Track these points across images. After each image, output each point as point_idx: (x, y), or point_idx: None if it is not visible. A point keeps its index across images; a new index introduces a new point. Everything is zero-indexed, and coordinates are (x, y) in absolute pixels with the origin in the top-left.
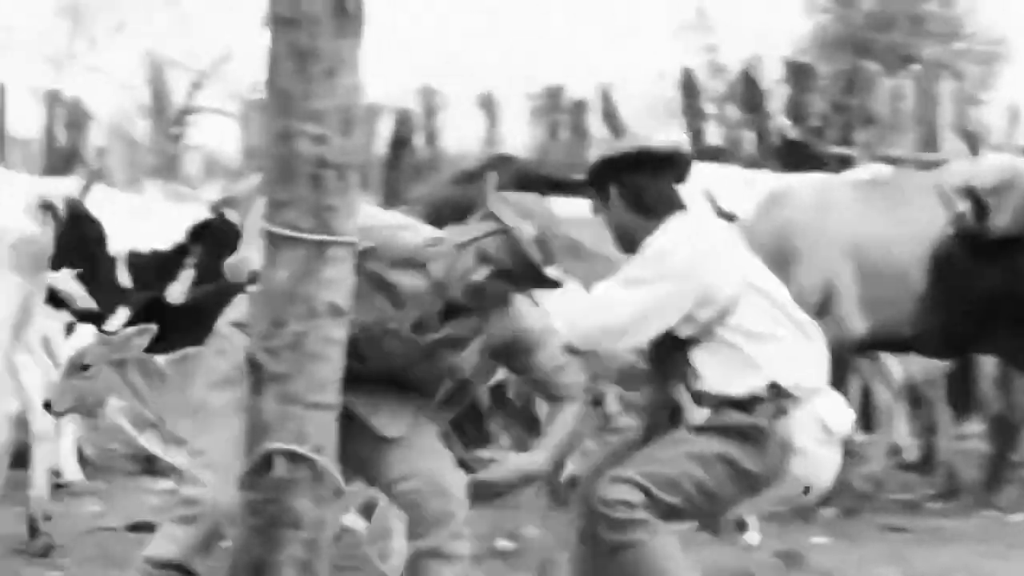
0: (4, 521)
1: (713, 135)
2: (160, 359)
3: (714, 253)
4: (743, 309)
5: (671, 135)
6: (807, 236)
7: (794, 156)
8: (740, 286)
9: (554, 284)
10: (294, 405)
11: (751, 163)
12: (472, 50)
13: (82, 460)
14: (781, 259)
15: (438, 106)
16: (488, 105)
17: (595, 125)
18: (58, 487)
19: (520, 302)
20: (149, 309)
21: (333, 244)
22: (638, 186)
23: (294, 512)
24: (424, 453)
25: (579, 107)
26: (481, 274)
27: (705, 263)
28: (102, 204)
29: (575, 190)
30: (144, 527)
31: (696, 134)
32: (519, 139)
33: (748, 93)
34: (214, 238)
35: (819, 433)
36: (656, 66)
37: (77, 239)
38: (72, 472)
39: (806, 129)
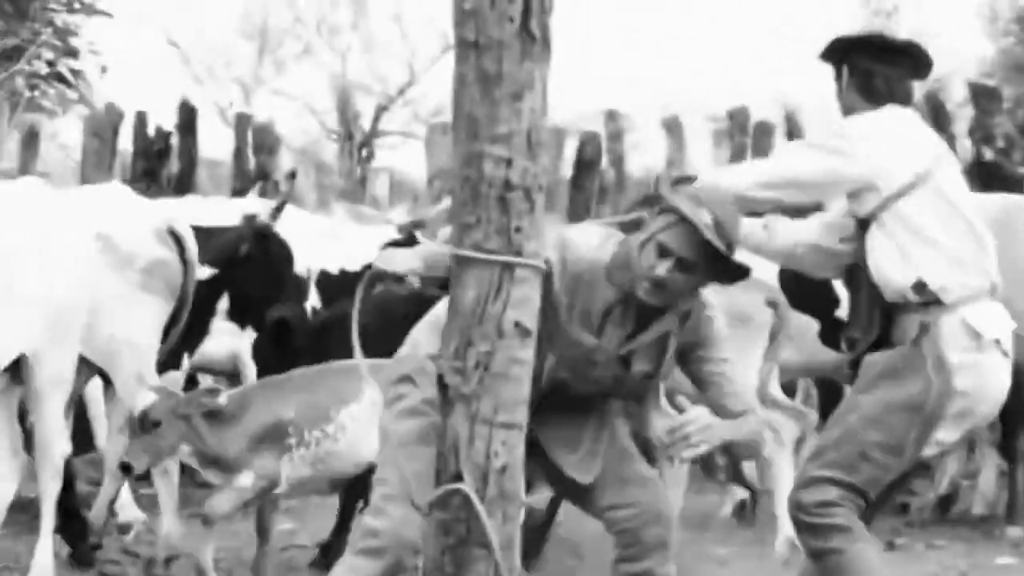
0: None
1: None
2: (223, 395)
3: (895, 140)
4: (913, 202)
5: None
6: None
7: (985, 177)
8: (915, 178)
9: (741, 270)
10: (482, 425)
11: None
12: (657, 73)
13: None
14: None
15: (623, 129)
16: (673, 128)
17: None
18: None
19: (705, 299)
20: (280, 325)
21: (520, 265)
22: (867, 71)
23: (482, 531)
24: (637, 483)
25: (763, 129)
26: (663, 268)
27: (879, 148)
28: (292, 225)
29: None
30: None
31: None
32: (703, 162)
33: (933, 115)
34: None
35: (967, 341)
36: None
37: (265, 260)
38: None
39: (992, 151)
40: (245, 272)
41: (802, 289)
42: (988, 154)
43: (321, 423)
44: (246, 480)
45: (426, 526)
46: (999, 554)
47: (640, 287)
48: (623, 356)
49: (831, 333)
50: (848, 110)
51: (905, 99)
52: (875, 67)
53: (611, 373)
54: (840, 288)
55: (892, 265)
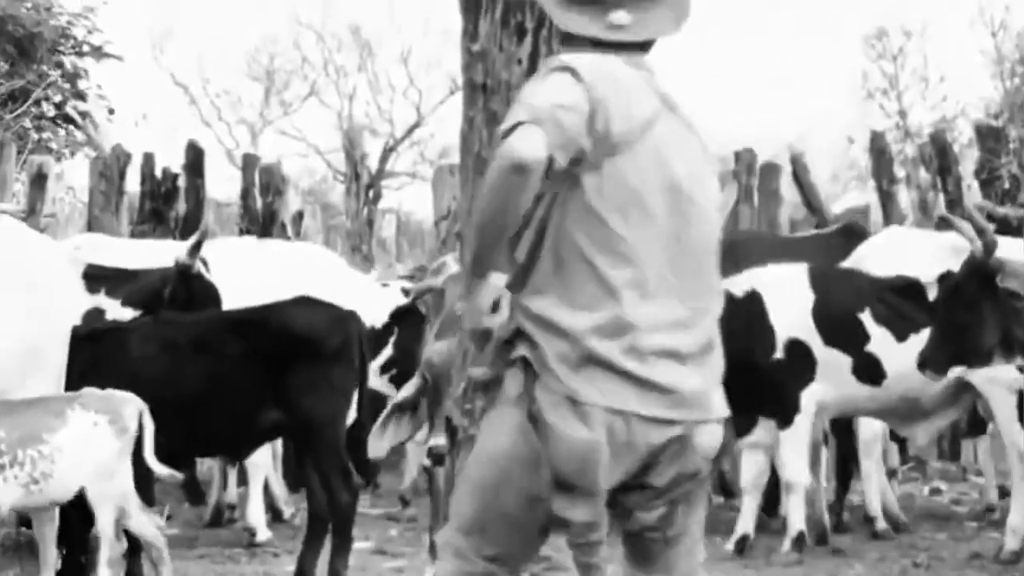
0: None
1: (903, 199)
2: None
3: None
4: None
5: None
6: None
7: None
8: None
9: None
10: None
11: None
12: None
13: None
14: None
15: None
16: None
17: (786, 189)
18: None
19: None
20: None
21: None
22: None
23: None
24: None
25: (770, 171)
26: None
27: None
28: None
29: None
30: None
31: (886, 197)
32: None
33: (939, 156)
34: (412, 322)
35: None
36: (844, 130)
37: (188, 301)
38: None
39: (997, 192)
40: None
41: (834, 325)
42: (999, 211)
43: (35, 444)
44: None
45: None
46: None
47: None
48: None
49: (864, 368)
50: None
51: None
52: None
53: None
54: (871, 323)
55: None
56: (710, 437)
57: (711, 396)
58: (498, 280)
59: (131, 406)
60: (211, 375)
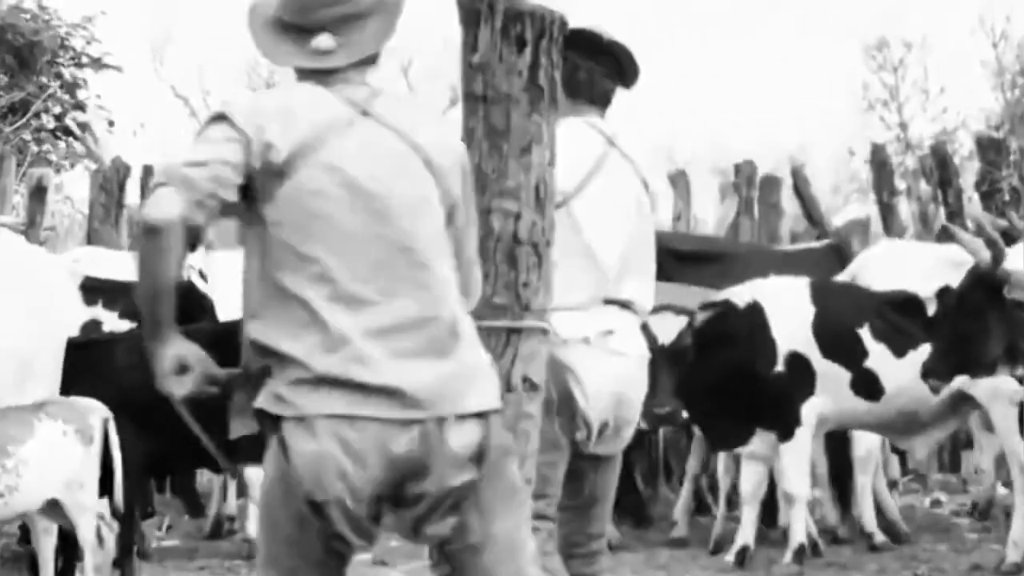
0: None
1: (904, 211)
2: None
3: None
4: None
5: (861, 211)
6: None
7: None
8: (562, 197)
9: None
10: None
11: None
12: (662, 127)
13: None
14: None
15: None
16: (679, 182)
17: (786, 201)
18: None
19: None
20: None
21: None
22: (574, 64)
23: None
24: None
25: (771, 183)
26: None
27: None
28: None
29: (705, 261)
30: None
31: (887, 210)
32: (710, 215)
33: (940, 167)
34: None
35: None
36: (844, 142)
37: (181, 313)
38: None
39: (998, 204)
40: None
41: (833, 339)
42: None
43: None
44: None
45: None
46: None
47: None
48: None
49: (862, 384)
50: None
51: (602, 100)
52: (581, 62)
53: None
54: (869, 339)
55: None
56: (463, 435)
57: (455, 392)
58: (177, 343)
59: (96, 415)
60: None
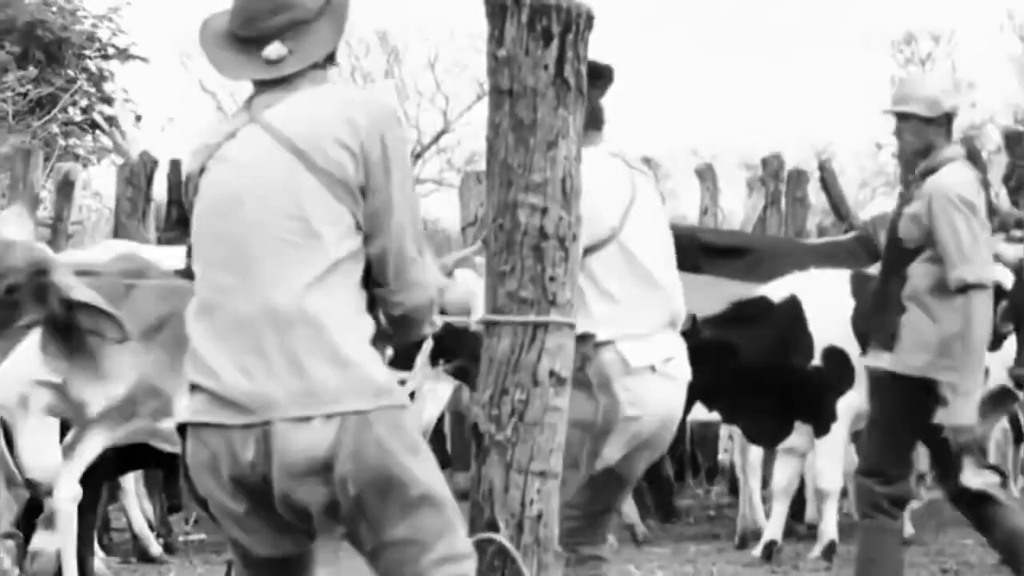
0: None
1: None
2: None
3: (598, 187)
4: (600, 259)
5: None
6: None
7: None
8: (610, 232)
9: None
10: (517, 473)
11: None
12: (690, 119)
13: None
14: None
15: (657, 177)
16: (706, 176)
17: (814, 195)
18: None
19: None
20: None
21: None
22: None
23: None
24: None
25: (798, 177)
26: None
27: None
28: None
29: (731, 255)
30: None
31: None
32: (737, 209)
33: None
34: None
35: (623, 368)
36: (872, 136)
37: None
38: None
39: None
40: None
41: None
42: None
43: None
44: None
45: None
46: None
47: None
48: None
49: None
50: None
51: (602, 121)
52: (592, 92)
53: None
54: None
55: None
56: (295, 441)
57: (291, 393)
58: None
59: None
60: None
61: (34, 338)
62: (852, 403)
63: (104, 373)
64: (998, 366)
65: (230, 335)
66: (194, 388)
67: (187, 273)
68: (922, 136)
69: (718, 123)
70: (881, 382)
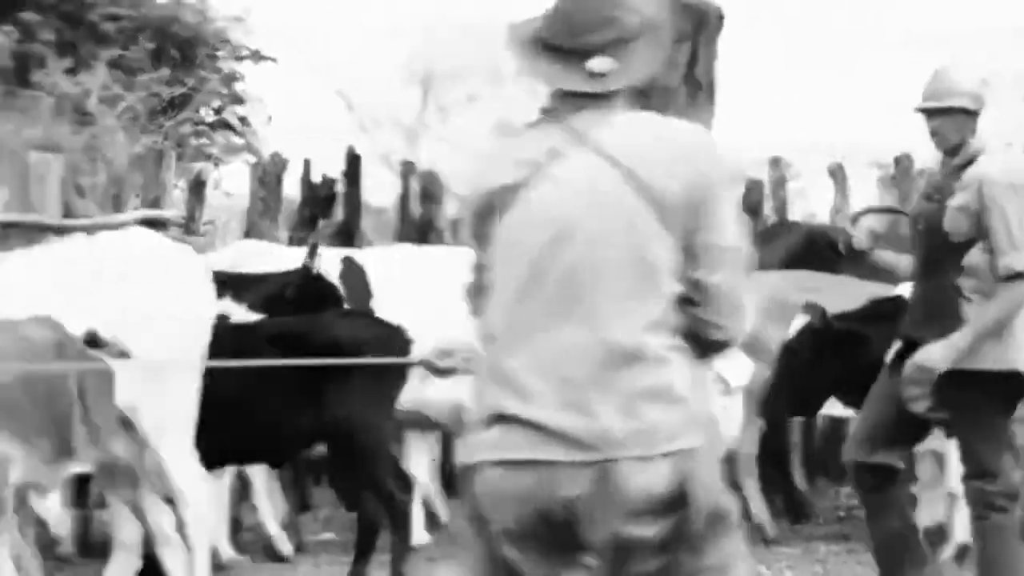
0: None
1: None
2: None
3: None
4: None
5: None
6: None
7: None
8: None
9: None
10: None
11: None
12: (821, 118)
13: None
14: None
15: (787, 176)
16: (837, 175)
17: None
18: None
19: None
20: None
21: None
22: None
23: None
24: None
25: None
26: None
27: None
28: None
29: (861, 257)
30: None
31: None
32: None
33: None
34: None
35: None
36: (1004, 135)
37: (312, 303)
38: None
39: None
40: (290, 316)
41: None
42: None
43: None
44: None
45: None
46: None
47: None
48: None
49: None
50: None
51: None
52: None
53: None
54: None
55: None
56: (636, 479)
57: (622, 433)
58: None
59: None
60: (255, 382)
61: None
62: None
63: None
64: None
65: (559, 367)
66: (502, 419)
67: (304, 273)
68: (963, 130)
69: (850, 120)
70: (956, 380)
